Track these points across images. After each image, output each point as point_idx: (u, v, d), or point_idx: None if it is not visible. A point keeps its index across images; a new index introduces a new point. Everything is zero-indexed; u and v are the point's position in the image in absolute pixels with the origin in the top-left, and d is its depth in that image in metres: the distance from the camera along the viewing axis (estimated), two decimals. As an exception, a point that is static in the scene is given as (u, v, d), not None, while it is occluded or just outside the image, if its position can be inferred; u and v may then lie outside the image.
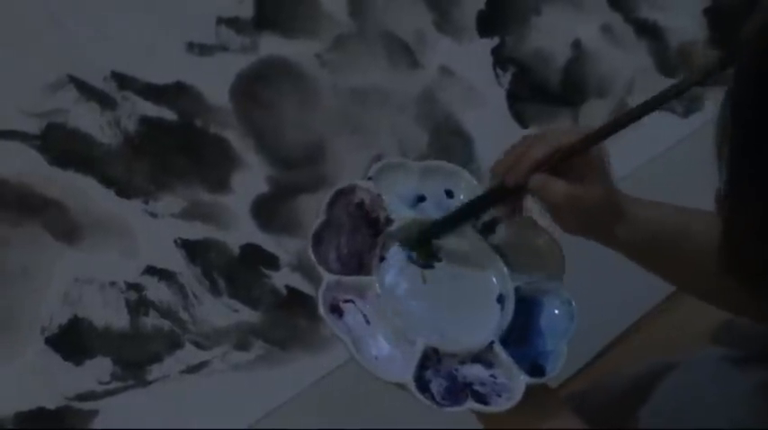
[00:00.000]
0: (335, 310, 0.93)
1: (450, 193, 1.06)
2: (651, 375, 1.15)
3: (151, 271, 1.41)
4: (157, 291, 1.40)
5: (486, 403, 0.91)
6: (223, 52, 1.61)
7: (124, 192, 1.45)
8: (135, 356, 1.35)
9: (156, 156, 1.49)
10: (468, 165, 1.63)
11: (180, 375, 1.36)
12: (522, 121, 1.71)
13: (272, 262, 1.46)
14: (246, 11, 1.65)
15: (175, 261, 1.43)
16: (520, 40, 1.79)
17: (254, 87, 1.60)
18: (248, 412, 1.36)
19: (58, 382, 1.30)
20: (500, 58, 1.77)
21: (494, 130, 1.69)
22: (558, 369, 0.96)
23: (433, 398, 0.90)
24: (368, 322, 0.94)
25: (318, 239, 0.96)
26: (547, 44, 1.80)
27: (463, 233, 1.04)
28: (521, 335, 0.99)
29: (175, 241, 1.44)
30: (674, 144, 1.81)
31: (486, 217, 1.05)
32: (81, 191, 1.43)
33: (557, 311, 1.01)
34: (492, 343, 0.96)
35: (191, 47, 1.59)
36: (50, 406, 1.28)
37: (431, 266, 1.02)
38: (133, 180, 1.46)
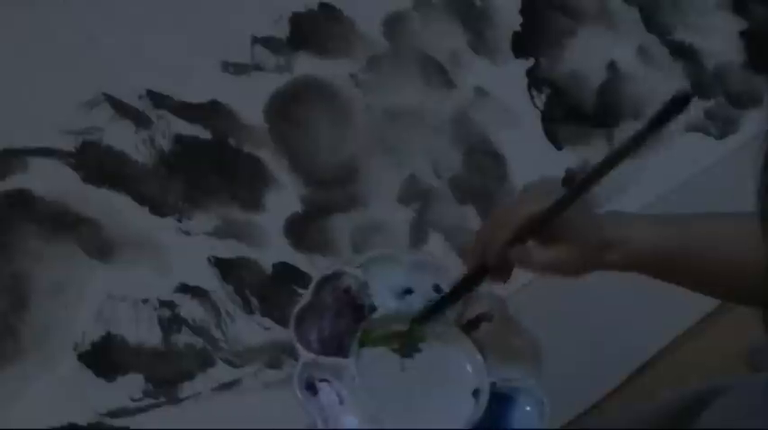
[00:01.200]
0: (310, 388, 0.97)
1: (438, 288, 1.10)
2: (698, 399, 1.14)
3: (184, 288, 1.41)
4: (190, 309, 1.40)
5: None
6: (258, 72, 1.62)
7: (158, 209, 1.45)
8: (167, 373, 1.35)
9: (190, 175, 1.49)
10: (502, 185, 1.63)
11: (212, 393, 1.36)
12: (557, 143, 1.71)
13: (304, 280, 1.46)
14: (282, 31, 1.66)
15: (208, 279, 1.43)
16: (555, 61, 1.79)
17: (289, 107, 1.60)
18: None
19: (91, 399, 1.30)
20: (535, 80, 1.76)
21: (528, 151, 1.69)
22: None
23: None
24: (341, 402, 0.96)
25: (301, 319, 0.99)
26: (582, 66, 1.80)
27: (446, 328, 1.07)
28: (490, 428, 1.02)
29: (208, 259, 1.44)
30: (709, 166, 1.79)
31: (470, 314, 1.08)
32: (115, 208, 1.43)
33: (528, 408, 1.04)
34: None
35: (226, 66, 1.60)
36: (82, 422, 1.28)
37: (410, 356, 1.05)
38: (167, 198, 1.46)
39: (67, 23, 1.53)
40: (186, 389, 1.35)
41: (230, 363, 1.38)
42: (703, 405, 1.12)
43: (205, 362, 1.37)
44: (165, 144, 1.50)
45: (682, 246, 1.03)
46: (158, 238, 1.43)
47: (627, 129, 1.76)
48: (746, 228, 0.92)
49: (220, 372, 1.37)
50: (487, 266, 1.01)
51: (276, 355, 1.40)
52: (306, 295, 1.00)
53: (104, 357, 1.34)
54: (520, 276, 1.04)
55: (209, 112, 1.55)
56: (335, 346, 1.00)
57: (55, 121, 1.45)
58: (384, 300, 1.04)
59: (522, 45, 1.79)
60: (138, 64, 1.54)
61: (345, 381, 0.98)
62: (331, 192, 1.55)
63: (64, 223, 1.39)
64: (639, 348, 1.57)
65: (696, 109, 1.82)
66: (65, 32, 1.52)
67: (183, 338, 1.38)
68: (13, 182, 1.39)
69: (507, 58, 1.77)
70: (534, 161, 1.66)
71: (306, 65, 1.64)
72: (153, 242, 1.43)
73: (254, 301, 1.43)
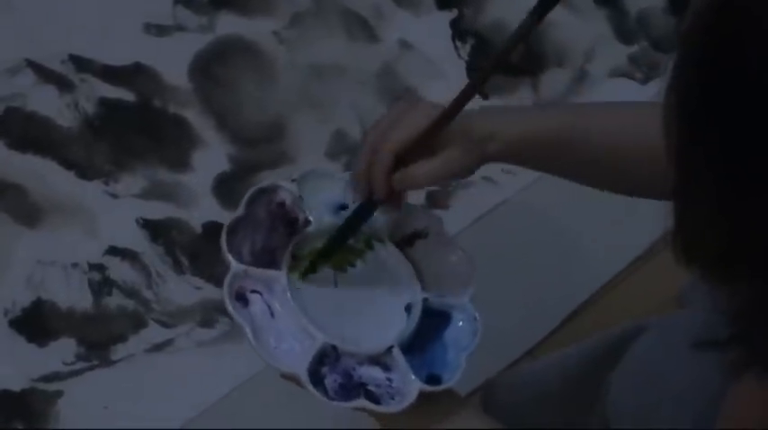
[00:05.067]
0: (241, 299, 0.97)
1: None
2: (622, 339, 1.16)
3: (113, 251, 1.41)
4: (120, 271, 1.40)
5: (377, 403, 0.94)
6: (180, 32, 1.61)
7: (84, 173, 1.45)
8: (99, 336, 1.36)
9: (116, 138, 1.49)
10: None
11: (145, 354, 1.37)
12: (482, 92, 1.71)
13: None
14: (204, -10, 1.66)
15: (138, 240, 1.43)
16: (478, 11, 1.79)
17: (213, 66, 1.60)
18: (214, 389, 1.36)
19: (23, 364, 1.31)
20: (459, 30, 1.76)
21: (454, 102, 1.69)
22: (454, 380, 0.99)
23: (325, 392, 0.94)
24: (272, 315, 0.97)
25: (233, 232, 0.99)
26: (505, 14, 1.80)
27: (382, 243, 1.08)
28: (423, 344, 1.03)
29: (137, 221, 1.44)
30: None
31: (406, 230, 1.09)
32: (41, 174, 1.43)
33: (461, 324, 1.05)
34: (392, 347, 0.99)
35: (148, 27, 1.60)
36: (15, 388, 1.29)
37: (343, 271, 1.06)
38: (93, 161, 1.46)
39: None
40: (119, 351, 1.36)
41: (162, 324, 1.39)
42: (625, 345, 1.14)
43: (137, 323, 1.38)
44: (89, 108, 1.50)
45: (574, 132, 1.02)
46: (86, 202, 1.44)
47: (552, 77, 1.77)
48: (645, 116, 0.93)
49: (153, 333, 1.38)
50: (376, 200, 1.02)
51: (208, 314, 1.41)
52: (239, 208, 1.00)
53: (35, 322, 1.34)
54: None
55: (133, 75, 1.55)
56: (268, 260, 1.00)
57: (-24, 89, 1.45)
58: (319, 215, 1.04)
59: (445, -4, 1.80)
60: (59, 28, 1.54)
61: (277, 294, 0.98)
62: (258, 149, 1.55)
63: (-11, 190, 1.39)
64: (572, 292, 1.59)
65: (620, 54, 1.83)
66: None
67: (115, 301, 1.38)
68: (-63, 151, 1.39)
69: (430, 9, 1.77)
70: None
71: (228, 24, 1.64)
72: (80, 206, 1.43)
73: (185, 261, 1.43)
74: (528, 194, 1.61)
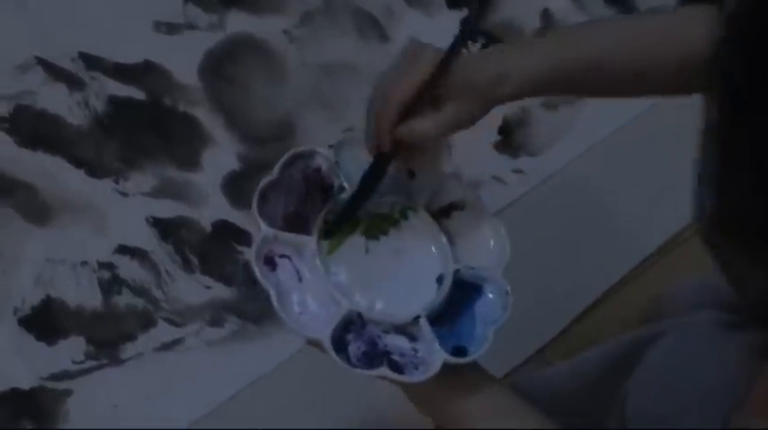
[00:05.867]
0: (270, 263, 0.95)
1: (410, 171, 1.07)
2: (638, 345, 1.15)
3: (123, 250, 1.41)
4: (130, 270, 1.40)
5: (400, 372, 0.93)
6: (191, 30, 1.61)
7: (94, 171, 1.45)
8: (108, 335, 1.35)
9: (126, 136, 1.49)
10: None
11: (154, 353, 1.36)
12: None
13: (243, 237, 1.46)
14: (215, -12, 1.65)
15: (147, 239, 1.43)
16: (488, 11, 1.78)
17: (223, 65, 1.60)
18: (223, 388, 1.36)
19: (32, 363, 1.31)
20: (470, 31, 1.76)
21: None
22: (480, 352, 0.98)
23: (347, 359, 0.92)
24: (300, 280, 0.96)
25: (264, 195, 0.97)
26: (516, 14, 1.80)
27: (416, 213, 1.06)
28: (452, 316, 1.02)
29: (147, 219, 1.44)
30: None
31: (442, 202, 1.07)
32: (51, 172, 1.43)
33: (491, 296, 1.03)
34: (419, 317, 0.98)
35: (158, 25, 1.59)
36: (24, 386, 1.29)
37: (376, 238, 1.04)
38: (103, 160, 1.46)
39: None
40: (128, 349, 1.36)
41: (172, 323, 1.39)
42: (642, 351, 1.13)
43: (146, 322, 1.38)
44: (99, 106, 1.49)
45: (595, 53, 1.00)
46: (96, 200, 1.43)
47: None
48: (663, 27, 0.93)
49: (162, 332, 1.38)
50: (385, 155, 1.00)
51: (218, 314, 1.41)
52: (273, 171, 0.99)
53: (45, 321, 1.34)
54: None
55: (143, 73, 1.55)
56: (300, 225, 0.99)
57: (-13, 86, 1.45)
58: (354, 182, 1.02)
59: (455, -4, 1.80)
60: (69, 26, 1.54)
61: (306, 259, 0.98)
62: (268, 148, 1.55)
63: (-1, 188, 1.39)
64: (580, 292, 1.59)
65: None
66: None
67: (124, 299, 1.38)
68: (-54, 148, 1.38)
69: (441, 8, 1.77)
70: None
71: (239, 22, 1.64)
72: (90, 204, 1.43)
73: (194, 260, 1.43)
74: (537, 194, 1.61)
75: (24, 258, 1.37)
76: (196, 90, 1.56)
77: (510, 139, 1.68)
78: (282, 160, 0.99)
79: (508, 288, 1.02)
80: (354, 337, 0.95)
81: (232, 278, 1.44)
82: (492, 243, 1.06)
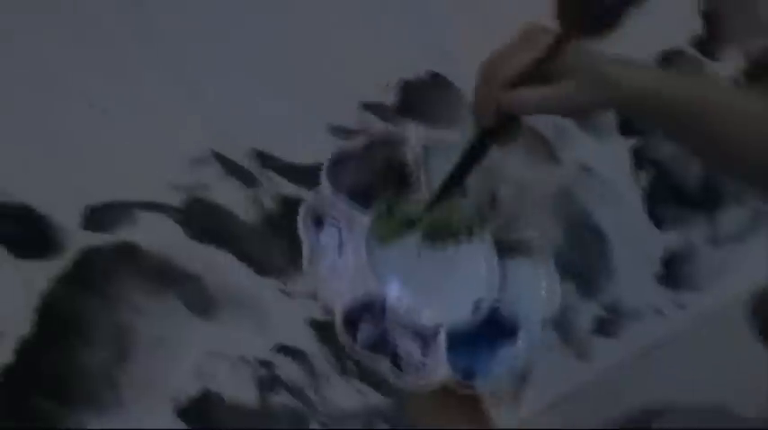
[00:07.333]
0: (318, 223, 0.94)
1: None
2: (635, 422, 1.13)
3: (282, 349, 1.41)
4: (287, 369, 1.40)
5: (399, 369, 0.92)
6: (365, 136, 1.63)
7: (260, 269, 1.46)
8: (262, 434, 1.36)
9: (294, 236, 1.50)
10: (602, 262, 1.62)
11: (307, 455, 1.37)
12: (658, 222, 1.69)
13: (400, 347, 1.46)
14: (390, 97, 1.66)
15: (306, 340, 1.44)
16: (660, 141, 1.78)
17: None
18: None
19: (186, 455, 1.32)
20: (639, 159, 1.75)
21: (629, 230, 1.68)
22: (485, 389, 0.96)
23: (353, 337, 0.91)
24: (340, 250, 0.95)
25: (339, 161, 0.97)
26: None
27: (482, 236, 1.06)
28: (475, 343, 1.00)
29: (307, 321, 1.44)
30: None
31: (513, 236, 1.08)
32: (218, 265, 1.45)
33: (520, 343, 1.01)
34: (440, 330, 0.96)
35: (332, 129, 1.61)
36: (176, 479, 1.30)
37: (431, 244, 1.04)
38: (270, 258, 1.47)
39: (179, 80, 1.55)
40: (280, 449, 1.36)
41: (325, 426, 1.38)
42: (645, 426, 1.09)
43: (299, 422, 1.38)
44: (270, 204, 1.51)
45: (696, 98, 0.97)
46: (259, 297, 1.44)
47: (729, 214, 1.74)
48: None
49: (315, 435, 1.38)
50: (487, 130, 0.99)
51: (370, 420, 1.40)
52: (355, 141, 0.98)
53: (201, 413, 1.35)
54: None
55: (315, 174, 1.56)
56: (362, 201, 0.99)
57: (163, 176, 1.47)
58: (435, 185, 1.03)
59: (629, 123, 1.79)
60: (243, 122, 1.56)
61: (355, 235, 0.97)
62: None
63: (168, 278, 1.41)
64: None
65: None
66: (174, 90, 1.54)
67: (279, 398, 1.38)
68: (121, 234, 1.41)
69: (612, 135, 1.77)
70: (635, 240, 1.65)
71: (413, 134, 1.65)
72: (254, 301, 1.44)
73: (351, 365, 1.43)
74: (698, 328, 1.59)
75: (186, 350, 1.38)
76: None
77: (673, 272, 1.66)
78: (370, 137, 0.99)
79: (540, 340, 1.01)
80: (368, 322, 0.94)
81: (386, 386, 1.43)
82: (543, 294, 1.05)
